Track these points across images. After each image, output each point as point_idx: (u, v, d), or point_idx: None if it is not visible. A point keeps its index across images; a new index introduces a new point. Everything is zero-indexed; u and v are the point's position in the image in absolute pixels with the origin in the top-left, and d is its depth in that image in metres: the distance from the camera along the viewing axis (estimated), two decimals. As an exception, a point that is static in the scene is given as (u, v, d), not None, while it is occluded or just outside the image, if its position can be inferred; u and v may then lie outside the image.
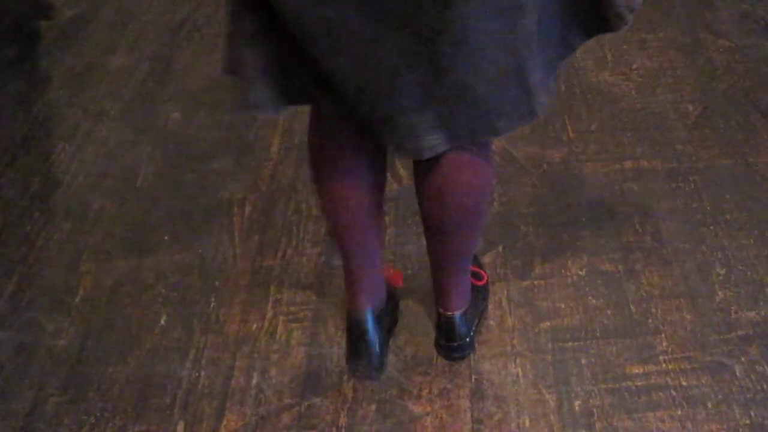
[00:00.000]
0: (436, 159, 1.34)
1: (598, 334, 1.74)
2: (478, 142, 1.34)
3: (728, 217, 1.97)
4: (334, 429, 1.61)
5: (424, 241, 1.92)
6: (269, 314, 1.83)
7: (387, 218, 2.03)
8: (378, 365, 1.64)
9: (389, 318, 1.72)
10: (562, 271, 1.87)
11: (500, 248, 1.94)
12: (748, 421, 1.56)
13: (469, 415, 1.61)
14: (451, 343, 1.68)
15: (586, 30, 1.29)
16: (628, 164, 2.13)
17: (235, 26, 1.25)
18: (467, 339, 1.69)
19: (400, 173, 2.15)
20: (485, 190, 1.46)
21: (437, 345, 1.71)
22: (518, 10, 1.12)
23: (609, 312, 1.78)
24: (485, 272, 1.82)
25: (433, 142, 1.26)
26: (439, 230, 1.50)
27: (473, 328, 1.71)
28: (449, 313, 1.65)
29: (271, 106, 1.27)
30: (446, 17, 1.09)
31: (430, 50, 1.13)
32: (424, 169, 1.40)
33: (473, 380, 1.67)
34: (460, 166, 1.37)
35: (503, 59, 1.17)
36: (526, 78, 1.21)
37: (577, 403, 1.62)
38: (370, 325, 1.59)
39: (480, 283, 1.77)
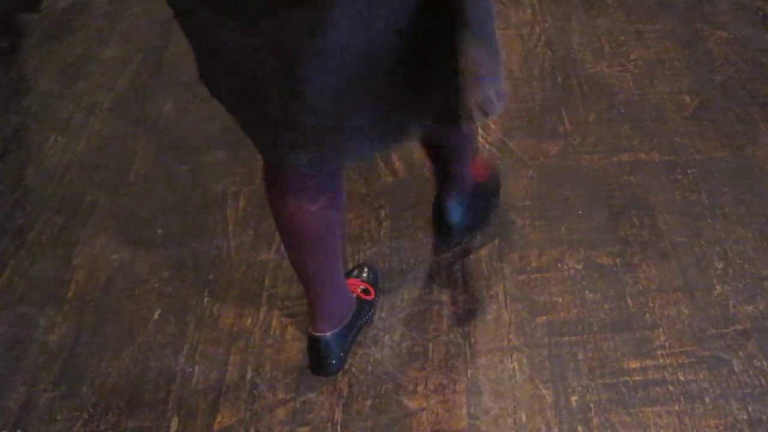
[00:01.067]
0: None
1: (595, 328, 1.73)
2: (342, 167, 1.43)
3: (726, 210, 1.95)
4: (329, 424, 1.60)
5: (420, 234, 1.93)
6: (264, 309, 1.82)
7: (382, 211, 2.02)
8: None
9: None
10: (559, 264, 1.86)
11: (497, 241, 1.92)
12: (746, 416, 1.55)
13: (465, 410, 1.60)
14: (314, 362, 1.67)
15: (433, 118, 1.32)
16: (626, 157, 2.12)
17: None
18: (333, 360, 1.66)
19: (395, 166, 2.13)
20: (336, 219, 1.49)
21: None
22: (373, 52, 1.15)
23: (606, 306, 1.77)
24: (375, 289, 1.79)
25: (300, 158, 1.29)
26: (294, 248, 1.53)
27: (346, 346, 1.68)
28: (316, 334, 1.63)
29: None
30: (304, 43, 1.11)
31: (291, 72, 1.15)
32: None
33: (469, 375, 1.66)
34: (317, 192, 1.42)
35: (363, 86, 1.20)
36: (343, 120, 1.24)
37: (574, 398, 1.60)
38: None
39: (367, 298, 1.75)
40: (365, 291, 1.76)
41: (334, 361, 1.66)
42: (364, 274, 1.80)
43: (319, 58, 1.12)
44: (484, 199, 1.92)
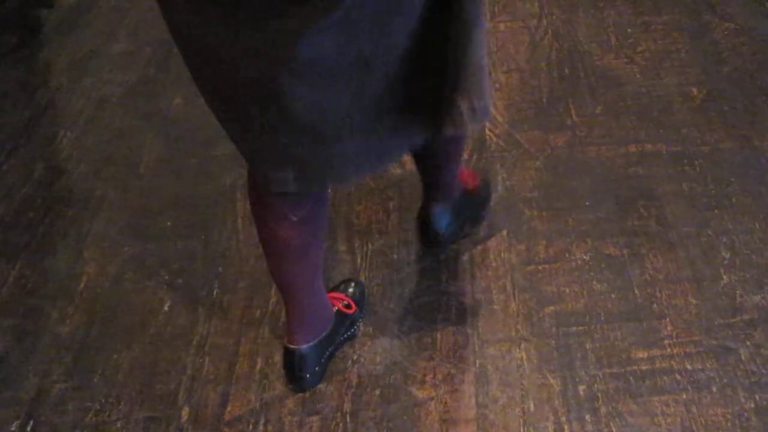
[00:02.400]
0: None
1: (602, 318, 1.73)
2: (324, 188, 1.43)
3: (733, 200, 1.96)
4: (338, 414, 1.61)
5: (427, 226, 1.93)
6: (273, 299, 1.83)
7: (390, 203, 2.03)
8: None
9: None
10: (567, 255, 1.87)
11: (504, 233, 1.93)
12: (753, 405, 1.56)
13: (473, 399, 1.61)
14: (290, 374, 1.65)
15: (424, 127, 1.33)
16: (633, 148, 2.12)
17: None
18: (307, 374, 1.63)
19: (404, 158, 2.13)
20: (315, 236, 1.50)
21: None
22: (365, 67, 1.15)
23: (613, 296, 1.77)
24: (357, 304, 1.76)
25: (282, 177, 1.29)
26: (274, 256, 1.53)
27: (322, 360, 1.66)
28: (291, 346, 1.62)
29: None
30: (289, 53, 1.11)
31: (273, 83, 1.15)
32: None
33: (478, 365, 1.67)
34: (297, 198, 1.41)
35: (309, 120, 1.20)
36: (327, 145, 1.25)
37: (581, 387, 1.61)
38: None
39: (348, 312, 1.73)
40: (347, 305, 1.72)
41: (308, 375, 1.63)
42: (350, 289, 1.77)
43: (302, 70, 1.12)
44: (472, 208, 1.91)
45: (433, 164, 1.71)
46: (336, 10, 1.04)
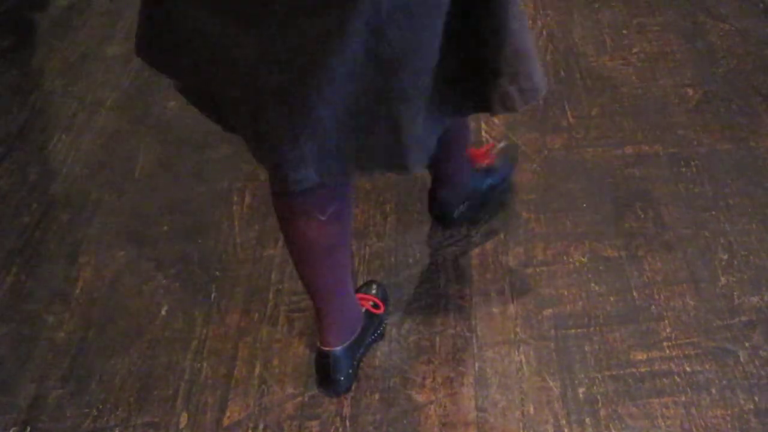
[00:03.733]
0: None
1: (601, 320, 1.73)
2: (350, 181, 1.37)
3: (730, 201, 1.96)
4: (337, 419, 1.60)
5: (425, 228, 1.94)
6: (270, 304, 1.83)
7: (387, 206, 2.02)
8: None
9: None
10: (564, 257, 1.87)
11: (502, 235, 1.93)
12: (752, 406, 1.56)
13: (473, 403, 1.61)
14: (324, 377, 1.63)
15: (474, 105, 1.32)
16: (629, 149, 2.13)
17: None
18: (341, 377, 1.62)
19: (400, 161, 2.13)
20: (342, 232, 1.47)
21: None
22: (394, 64, 1.13)
23: (612, 298, 1.77)
24: (385, 304, 1.76)
25: (300, 176, 1.24)
26: (303, 261, 1.50)
27: (354, 363, 1.65)
28: (325, 348, 1.61)
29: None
30: (318, 60, 1.09)
31: (301, 89, 1.13)
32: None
33: (477, 368, 1.67)
34: (324, 196, 1.38)
35: (375, 108, 1.17)
36: (399, 132, 1.20)
37: (581, 390, 1.61)
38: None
39: (377, 312, 1.73)
40: (375, 305, 1.72)
41: (342, 378, 1.62)
42: (373, 291, 1.76)
43: (332, 70, 1.10)
44: (494, 180, 1.94)
45: (440, 152, 1.70)
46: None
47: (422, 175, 2.08)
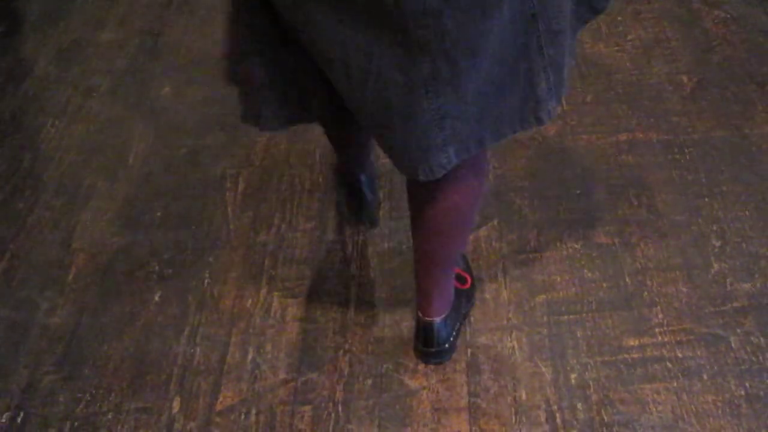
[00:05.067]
0: None
1: (593, 306, 1.74)
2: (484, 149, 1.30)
3: (724, 188, 1.96)
4: (330, 404, 1.61)
5: (419, 216, 1.92)
6: (264, 290, 1.83)
7: (381, 192, 2.02)
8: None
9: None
10: (558, 244, 1.87)
11: (495, 222, 1.93)
12: (743, 392, 1.57)
13: (465, 388, 1.62)
14: (429, 348, 1.64)
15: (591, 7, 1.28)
16: (623, 136, 2.12)
17: (241, 39, 1.24)
18: (446, 345, 1.65)
19: (394, 147, 2.13)
20: (481, 188, 1.43)
21: (415, 350, 1.67)
22: (535, 17, 1.11)
23: (605, 285, 1.78)
24: (471, 276, 1.77)
25: (443, 160, 1.21)
26: (432, 231, 1.47)
27: (453, 333, 1.66)
28: (428, 319, 1.62)
29: (276, 124, 1.30)
30: (439, 27, 1.05)
31: (429, 63, 1.09)
32: None
33: (469, 354, 1.67)
34: (460, 165, 1.31)
35: (513, 62, 1.14)
36: (534, 83, 1.18)
37: (573, 375, 1.62)
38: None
39: (464, 287, 1.73)
40: (462, 280, 1.73)
41: (447, 346, 1.64)
42: (461, 263, 1.76)
43: (484, 42, 1.08)
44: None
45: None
46: None
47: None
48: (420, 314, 1.62)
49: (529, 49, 1.14)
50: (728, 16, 2.50)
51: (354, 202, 1.92)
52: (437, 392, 1.61)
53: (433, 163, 1.21)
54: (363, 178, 1.88)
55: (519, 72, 1.16)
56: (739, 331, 1.67)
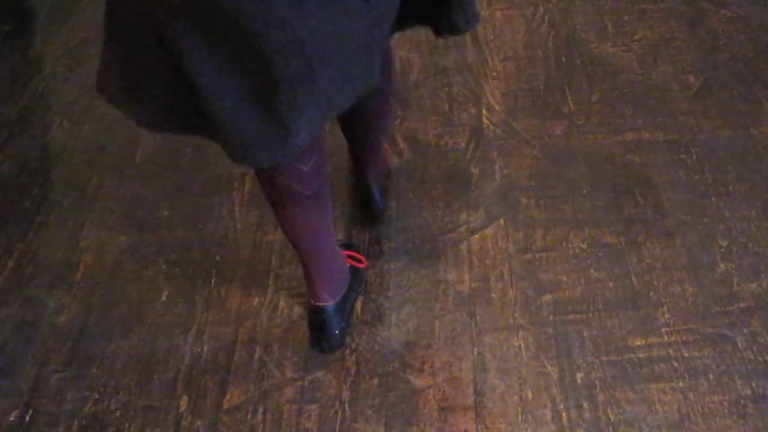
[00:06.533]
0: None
1: (599, 306, 1.74)
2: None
3: (730, 188, 1.96)
4: (337, 403, 1.61)
5: (425, 214, 1.94)
6: (271, 289, 1.83)
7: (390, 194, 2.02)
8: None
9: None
10: (564, 243, 1.87)
11: (501, 221, 1.93)
12: (749, 392, 1.57)
13: (471, 387, 1.62)
14: (322, 333, 1.67)
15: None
16: (630, 136, 2.12)
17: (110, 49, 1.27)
18: (337, 331, 1.67)
19: (401, 146, 2.13)
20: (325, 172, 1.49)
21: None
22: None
23: (611, 284, 1.78)
24: (365, 257, 1.82)
25: (300, 140, 1.22)
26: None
27: (345, 319, 1.69)
28: (320, 304, 1.64)
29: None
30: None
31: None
32: None
33: (476, 353, 1.67)
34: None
35: (363, 42, 1.21)
36: (372, 55, 1.25)
37: (579, 375, 1.62)
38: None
39: (361, 266, 1.79)
40: (356, 260, 1.78)
41: (338, 332, 1.66)
42: (354, 247, 1.84)
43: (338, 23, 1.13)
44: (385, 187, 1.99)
45: (365, 128, 1.74)
46: None
47: (422, 162, 2.09)
48: (311, 300, 1.65)
49: (371, 26, 1.21)
50: (735, 15, 2.49)
51: (362, 208, 1.94)
52: (443, 391, 1.62)
53: (293, 142, 1.22)
54: (374, 186, 1.89)
55: (362, 45, 1.21)
56: (745, 330, 1.67)
